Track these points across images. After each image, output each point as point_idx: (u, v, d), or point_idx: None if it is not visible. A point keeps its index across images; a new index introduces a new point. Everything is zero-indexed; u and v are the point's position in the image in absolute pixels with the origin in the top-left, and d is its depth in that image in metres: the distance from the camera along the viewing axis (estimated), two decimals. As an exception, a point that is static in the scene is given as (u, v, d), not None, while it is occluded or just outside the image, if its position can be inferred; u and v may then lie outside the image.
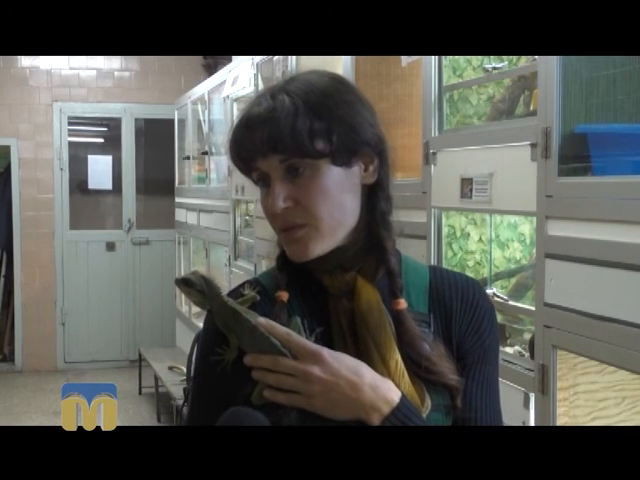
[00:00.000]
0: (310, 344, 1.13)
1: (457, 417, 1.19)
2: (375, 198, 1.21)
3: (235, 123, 1.18)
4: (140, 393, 6.90)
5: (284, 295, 1.20)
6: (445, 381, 1.17)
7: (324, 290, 1.21)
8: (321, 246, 1.17)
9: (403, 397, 1.12)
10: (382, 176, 1.21)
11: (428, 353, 1.17)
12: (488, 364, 1.23)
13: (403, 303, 1.19)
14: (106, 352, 7.93)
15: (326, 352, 1.11)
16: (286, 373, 1.10)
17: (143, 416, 6.31)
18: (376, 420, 1.10)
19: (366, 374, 1.11)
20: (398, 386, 1.14)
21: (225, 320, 1.17)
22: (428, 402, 1.15)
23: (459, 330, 1.22)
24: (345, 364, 1.11)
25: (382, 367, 1.14)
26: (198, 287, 1.19)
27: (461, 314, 1.23)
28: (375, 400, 1.10)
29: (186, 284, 1.20)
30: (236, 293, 1.22)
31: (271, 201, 1.15)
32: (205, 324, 1.24)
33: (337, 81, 1.19)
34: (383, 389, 1.11)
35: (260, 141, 1.13)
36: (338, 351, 1.14)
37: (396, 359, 1.15)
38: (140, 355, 6.98)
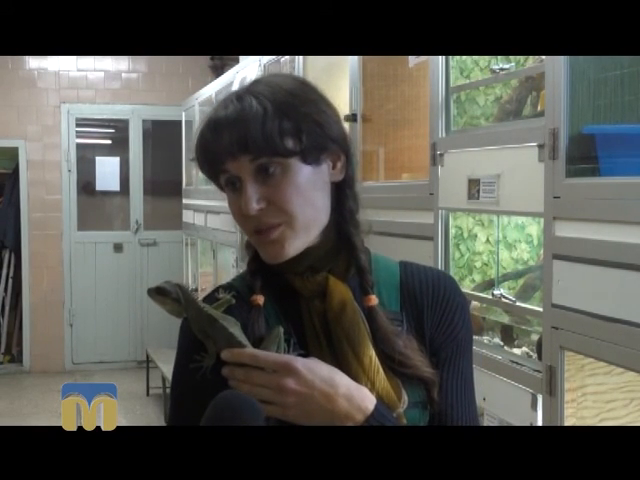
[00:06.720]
0: (283, 356, 1.12)
1: (433, 412, 1.19)
2: (343, 196, 1.22)
3: (201, 127, 1.17)
4: (148, 394, 6.92)
5: (260, 299, 1.19)
6: (420, 374, 1.17)
7: (296, 293, 1.20)
8: (296, 245, 1.17)
9: (378, 404, 1.12)
10: (349, 174, 1.22)
11: (402, 348, 1.17)
12: (462, 358, 1.24)
13: (374, 299, 1.20)
14: (114, 353, 7.95)
15: (300, 363, 1.10)
16: (261, 385, 1.10)
17: (150, 417, 6.32)
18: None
19: (340, 384, 1.11)
20: (373, 382, 1.14)
21: (202, 327, 1.16)
22: (405, 398, 1.16)
23: (431, 325, 1.22)
24: (319, 375, 1.10)
25: (356, 365, 1.14)
26: (173, 295, 1.18)
27: (432, 309, 1.23)
28: (349, 410, 1.10)
29: (160, 293, 1.18)
30: (211, 298, 1.22)
31: (244, 203, 1.14)
32: (181, 332, 1.22)
33: (300, 82, 1.22)
34: (357, 398, 1.11)
35: (229, 142, 1.13)
36: (313, 353, 1.14)
37: (370, 355, 1.15)
38: (148, 356, 6.99)
